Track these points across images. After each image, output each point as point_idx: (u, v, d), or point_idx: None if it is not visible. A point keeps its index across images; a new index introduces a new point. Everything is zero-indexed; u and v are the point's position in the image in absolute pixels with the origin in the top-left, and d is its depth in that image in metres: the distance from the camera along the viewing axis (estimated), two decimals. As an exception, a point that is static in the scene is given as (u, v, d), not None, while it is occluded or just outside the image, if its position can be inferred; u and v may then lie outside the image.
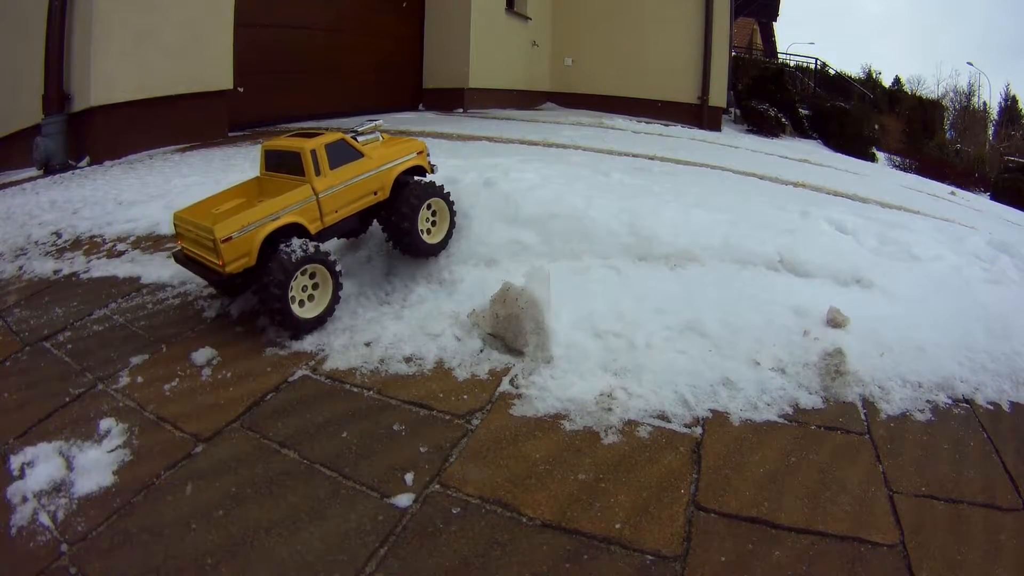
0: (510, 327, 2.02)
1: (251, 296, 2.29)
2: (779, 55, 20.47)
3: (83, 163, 5.12)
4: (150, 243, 3.01)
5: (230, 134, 6.37)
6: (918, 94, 25.28)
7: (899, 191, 7.15)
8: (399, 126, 7.10)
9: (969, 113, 26.56)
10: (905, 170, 13.38)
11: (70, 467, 1.60)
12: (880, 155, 14.80)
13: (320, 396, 1.84)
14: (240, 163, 4.62)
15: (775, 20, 18.93)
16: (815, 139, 13.23)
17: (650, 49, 11.13)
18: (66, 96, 5.04)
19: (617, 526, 1.40)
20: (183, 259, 2.15)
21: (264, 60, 7.05)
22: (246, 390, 1.87)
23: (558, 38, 11.86)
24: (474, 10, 9.26)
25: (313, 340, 2.11)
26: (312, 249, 2.02)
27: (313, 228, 2.11)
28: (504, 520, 1.42)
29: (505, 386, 1.87)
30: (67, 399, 1.88)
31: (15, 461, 1.63)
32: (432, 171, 2.47)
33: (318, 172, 2.10)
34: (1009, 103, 27.46)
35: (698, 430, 1.72)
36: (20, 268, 2.91)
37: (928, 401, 1.91)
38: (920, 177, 11.19)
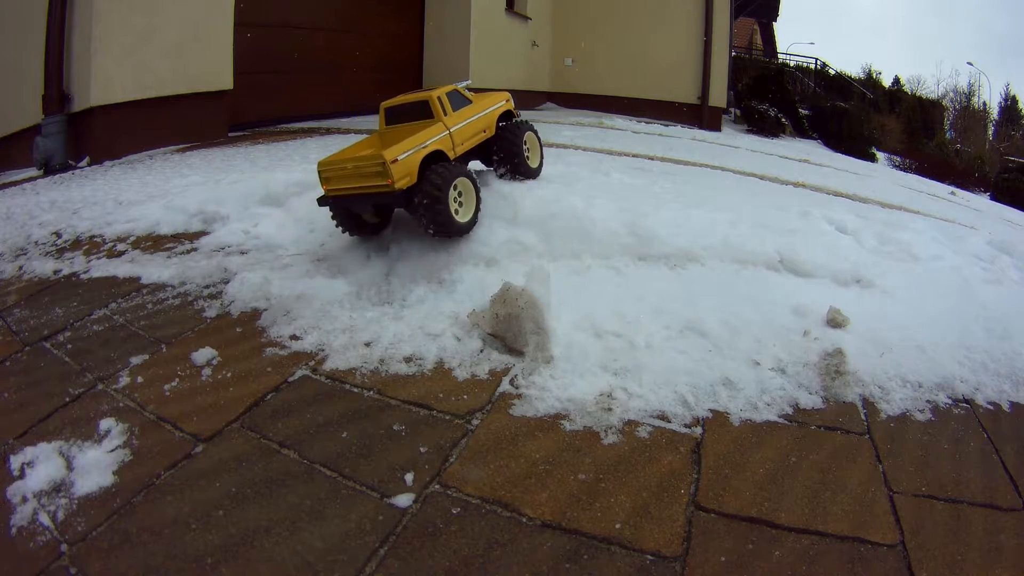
0: (510, 327, 2.02)
1: (249, 293, 2.31)
2: (779, 55, 20.47)
3: (83, 163, 5.12)
4: (150, 243, 3.01)
5: (230, 134, 6.37)
6: (918, 94, 25.28)
7: (899, 191, 7.15)
8: (399, 126, 7.09)
9: (969, 113, 26.55)
10: (905, 170, 13.38)
11: (70, 467, 1.60)
12: (880, 155, 14.80)
13: (320, 396, 1.84)
14: (240, 163, 4.62)
15: (775, 20, 18.93)
16: (815, 139, 13.23)
17: (650, 49, 11.13)
18: (66, 96, 5.04)
19: (617, 526, 1.40)
20: (330, 200, 2.50)
21: (264, 60, 7.05)
22: (246, 390, 1.87)
23: (558, 38, 11.86)
24: (474, 10, 9.25)
25: (313, 340, 2.11)
26: (456, 170, 2.45)
27: (451, 156, 2.56)
28: (504, 520, 1.42)
29: (505, 386, 1.87)
30: (67, 399, 1.88)
31: (15, 461, 1.63)
32: (518, 115, 3.00)
33: (445, 113, 2.59)
34: (1009, 103, 27.46)
35: (698, 430, 1.72)
36: (20, 268, 2.91)
37: (928, 401, 1.91)
38: (920, 177, 11.19)
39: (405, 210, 2.47)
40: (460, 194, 2.47)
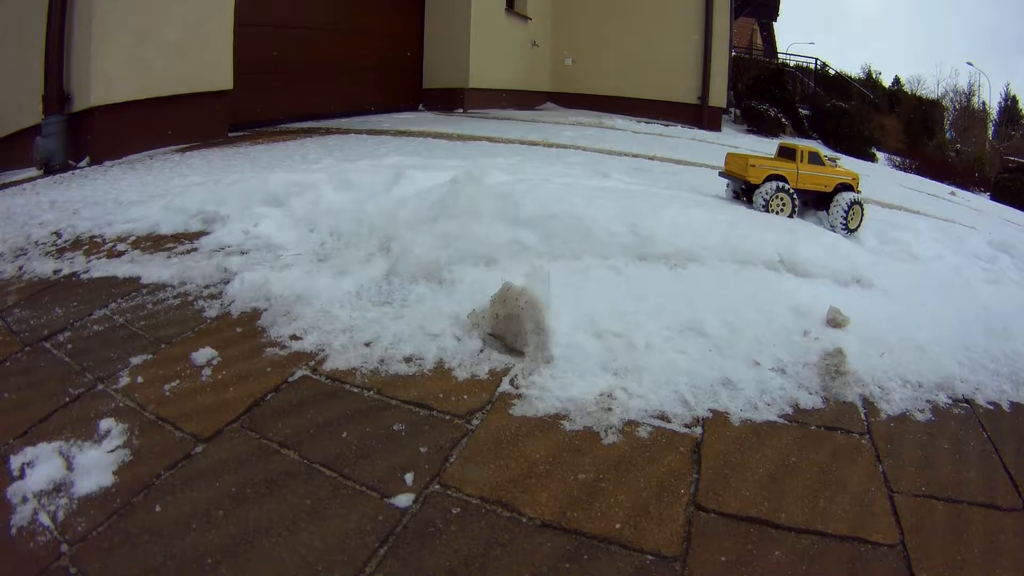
0: (510, 327, 2.02)
1: (249, 293, 2.32)
2: (779, 55, 20.46)
3: (83, 163, 5.12)
4: (150, 243, 3.01)
5: (230, 134, 6.37)
6: (918, 94, 25.28)
7: (899, 191, 7.15)
8: (399, 126, 7.10)
9: (969, 113, 26.55)
10: (905, 170, 13.39)
11: (70, 467, 1.60)
12: (880, 155, 14.80)
13: (320, 396, 1.84)
14: (240, 163, 4.62)
15: (775, 20, 18.93)
16: (815, 139, 13.22)
17: (650, 49, 11.13)
18: (66, 96, 5.04)
19: (617, 526, 1.40)
20: (726, 173, 3.91)
21: (264, 60, 7.05)
22: (246, 390, 1.87)
23: (558, 38, 11.86)
24: (474, 10, 9.25)
25: (313, 340, 2.11)
26: (790, 188, 3.61)
27: (791, 183, 3.66)
28: (504, 520, 1.42)
29: (505, 386, 1.87)
30: (67, 399, 1.88)
31: (15, 461, 1.63)
32: (858, 189, 3.78)
33: (801, 160, 3.74)
34: (1009, 103, 27.46)
35: (698, 430, 1.72)
36: (20, 268, 2.91)
37: (928, 401, 1.91)
38: (920, 177, 11.19)
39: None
40: (783, 204, 3.65)
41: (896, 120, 18.70)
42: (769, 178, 3.64)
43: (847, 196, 3.60)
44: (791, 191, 3.60)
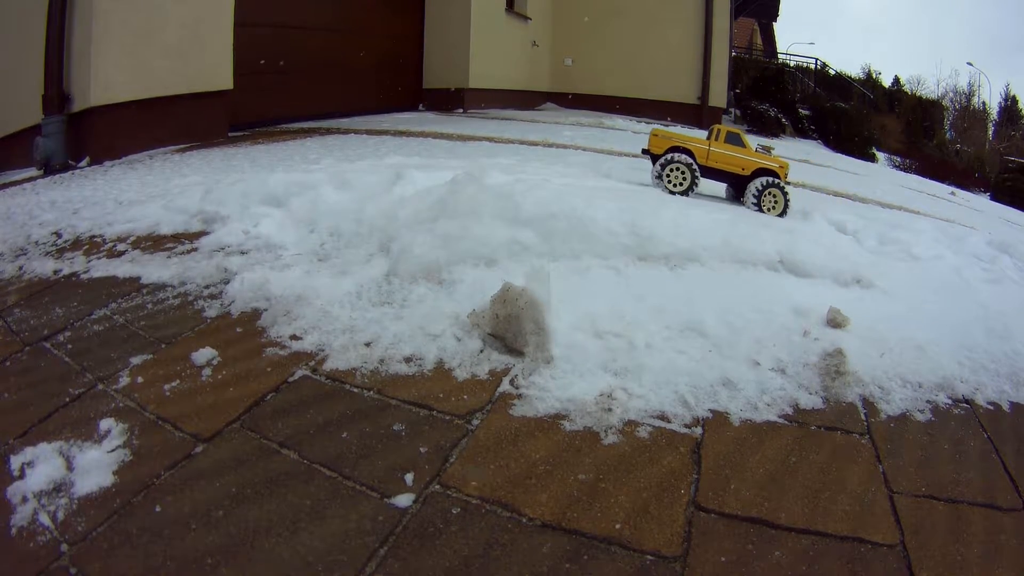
0: (510, 327, 2.02)
1: (249, 293, 2.34)
2: (779, 55, 20.47)
3: (83, 163, 5.12)
4: (150, 243, 3.01)
5: (230, 134, 6.37)
6: (918, 94, 25.28)
7: (899, 191, 7.15)
8: (399, 126, 7.10)
9: (969, 113, 26.55)
10: (905, 170, 13.39)
11: (70, 467, 1.60)
12: (880, 155, 14.81)
13: (320, 396, 1.84)
14: (240, 163, 4.62)
15: (775, 20, 18.95)
16: (815, 139, 13.23)
17: (650, 49, 11.13)
18: (66, 96, 5.04)
19: (617, 526, 1.40)
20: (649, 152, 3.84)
21: (264, 60, 7.05)
22: (246, 390, 1.87)
23: (558, 38, 11.85)
24: (474, 10, 9.25)
25: (313, 340, 2.11)
26: (689, 160, 3.59)
27: (698, 159, 3.63)
28: (504, 520, 1.42)
29: (505, 386, 1.87)
30: (67, 399, 1.88)
31: (15, 461, 1.63)
32: (785, 178, 3.66)
33: (716, 138, 3.68)
34: (1009, 103, 27.45)
35: (698, 430, 1.72)
36: (20, 268, 2.91)
37: (928, 401, 1.91)
38: (920, 177, 11.20)
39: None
40: (683, 178, 3.64)
41: (896, 120, 18.70)
42: (671, 150, 3.58)
43: (760, 181, 3.54)
44: (692, 165, 3.53)
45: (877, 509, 1.48)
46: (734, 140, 3.70)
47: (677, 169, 3.53)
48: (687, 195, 3.55)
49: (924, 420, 1.83)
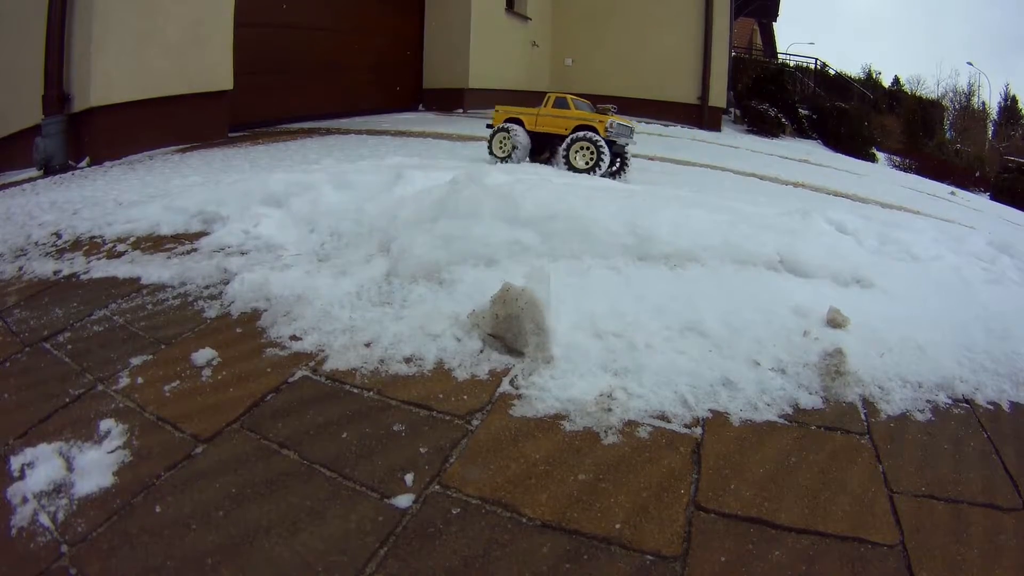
0: (510, 327, 2.02)
1: (249, 294, 2.35)
2: (779, 55, 20.46)
3: (83, 164, 5.12)
4: (150, 243, 3.01)
5: (230, 134, 6.37)
6: (918, 94, 25.29)
7: (899, 191, 7.15)
8: (399, 127, 7.10)
9: (969, 113, 26.55)
10: (905, 170, 13.39)
11: (70, 468, 1.60)
12: (880, 155, 14.80)
13: (320, 397, 1.84)
14: (240, 163, 4.62)
15: (775, 20, 18.93)
16: (815, 139, 13.23)
17: (650, 49, 11.13)
18: (66, 97, 5.04)
19: (617, 526, 1.40)
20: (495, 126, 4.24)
21: (264, 60, 7.05)
22: (246, 391, 1.87)
23: (558, 38, 11.85)
24: (474, 11, 9.25)
25: (313, 340, 2.11)
26: (518, 130, 3.88)
27: (528, 126, 3.88)
28: (504, 520, 1.42)
29: (505, 387, 1.87)
30: (67, 399, 1.88)
31: (15, 462, 1.63)
32: (603, 133, 3.77)
33: (545, 105, 3.89)
34: (1009, 103, 27.45)
35: (698, 430, 1.72)
36: (20, 268, 2.91)
37: (928, 401, 1.91)
38: (920, 177, 11.20)
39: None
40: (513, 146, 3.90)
41: (896, 120, 18.70)
42: (507, 121, 3.90)
43: (571, 136, 3.74)
44: (516, 133, 3.80)
45: (877, 509, 1.48)
46: (561, 104, 3.87)
47: (501, 140, 3.79)
48: (506, 161, 3.75)
49: (924, 420, 1.83)
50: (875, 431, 1.77)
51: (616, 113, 3.97)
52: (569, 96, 3.88)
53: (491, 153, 3.70)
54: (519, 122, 3.75)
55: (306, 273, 2.52)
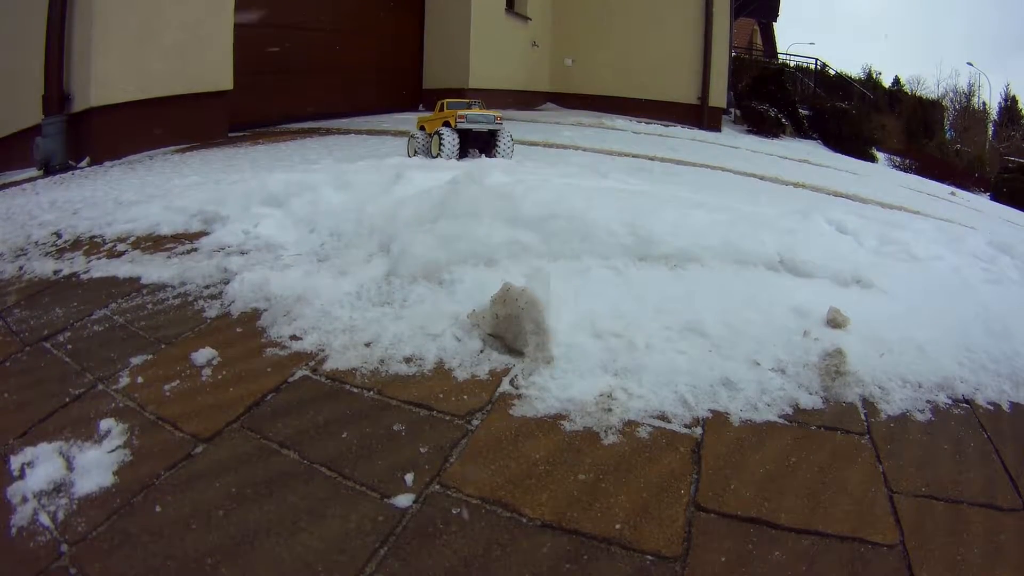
0: (510, 327, 2.02)
1: (250, 293, 2.34)
2: (779, 55, 20.46)
3: (83, 163, 5.12)
4: (150, 243, 3.01)
5: (230, 134, 6.37)
6: (918, 94, 25.30)
7: (899, 191, 7.16)
8: (399, 127, 7.10)
9: (969, 113, 26.55)
10: (905, 170, 13.38)
11: (70, 467, 1.60)
12: (880, 155, 14.80)
13: (320, 397, 1.84)
14: (240, 163, 4.63)
15: (775, 20, 18.93)
16: (815, 139, 13.22)
17: (650, 49, 11.13)
18: (66, 96, 5.04)
19: (617, 526, 1.40)
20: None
21: (264, 60, 7.05)
22: (246, 390, 1.87)
23: (558, 38, 11.85)
24: (474, 10, 9.25)
25: (313, 340, 2.11)
26: (420, 134, 4.82)
27: (428, 129, 4.76)
28: (504, 520, 1.42)
29: (505, 386, 1.87)
30: (67, 399, 1.88)
31: (15, 461, 1.63)
32: (455, 123, 4.43)
33: (440, 110, 4.64)
34: (1009, 103, 27.44)
35: (698, 430, 1.72)
36: (20, 268, 2.91)
37: (928, 401, 1.91)
38: (920, 177, 11.20)
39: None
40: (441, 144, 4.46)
41: (896, 120, 18.70)
42: (422, 128, 4.79)
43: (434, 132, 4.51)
44: (418, 137, 4.68)
45: (877, 509, 1.48)
46: (442, 108, 4.56)
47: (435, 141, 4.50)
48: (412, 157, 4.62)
49: (924, 420, 1.83)
50: (875, 431, 1.77)
51: (480, 107, 4.72)
52: (446, 101, 4.62)
53: (430, 155, 4.48)
54: (423, 128, 4.70)
55: (306, 273, 2.52)
